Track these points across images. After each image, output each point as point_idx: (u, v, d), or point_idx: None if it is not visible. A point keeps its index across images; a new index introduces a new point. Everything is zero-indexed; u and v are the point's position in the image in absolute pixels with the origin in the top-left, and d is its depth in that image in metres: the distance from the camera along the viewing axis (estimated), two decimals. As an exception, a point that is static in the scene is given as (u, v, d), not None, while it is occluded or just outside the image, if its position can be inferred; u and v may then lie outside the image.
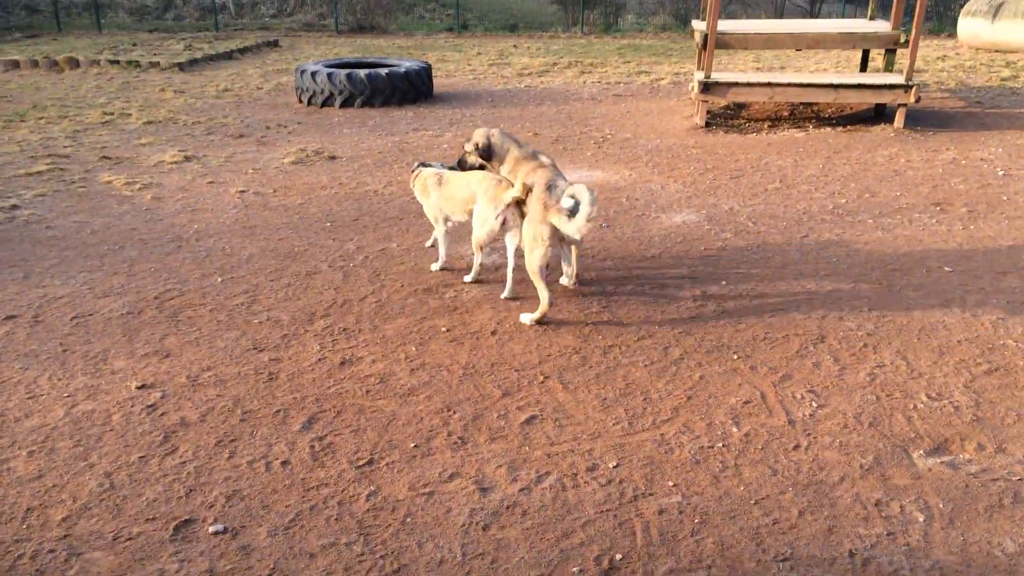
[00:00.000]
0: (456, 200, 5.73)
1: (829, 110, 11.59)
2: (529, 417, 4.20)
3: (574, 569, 3.18)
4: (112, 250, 6.60)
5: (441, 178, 5.87)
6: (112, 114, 11.98)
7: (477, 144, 5.76)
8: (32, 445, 3.99)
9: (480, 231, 5.51)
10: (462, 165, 5.93)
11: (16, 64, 16.21)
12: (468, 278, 5.90)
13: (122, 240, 6.84)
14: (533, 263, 5.12)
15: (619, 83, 14.34)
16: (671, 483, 3.68)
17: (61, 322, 5.31)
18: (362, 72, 12.45)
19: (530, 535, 3.35)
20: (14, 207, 7.58)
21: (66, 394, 4.45)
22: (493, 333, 5.14)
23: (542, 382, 4.54)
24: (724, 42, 10.77)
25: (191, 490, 3.66)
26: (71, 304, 5.56)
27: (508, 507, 3.53)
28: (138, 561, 3.21)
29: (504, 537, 3.34)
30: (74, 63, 16.24)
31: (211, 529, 3.39)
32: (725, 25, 11.41)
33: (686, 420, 4.17)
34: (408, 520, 3.45)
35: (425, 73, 12.95)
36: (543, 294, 5.17)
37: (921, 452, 3.89)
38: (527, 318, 5.23)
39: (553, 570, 3.16)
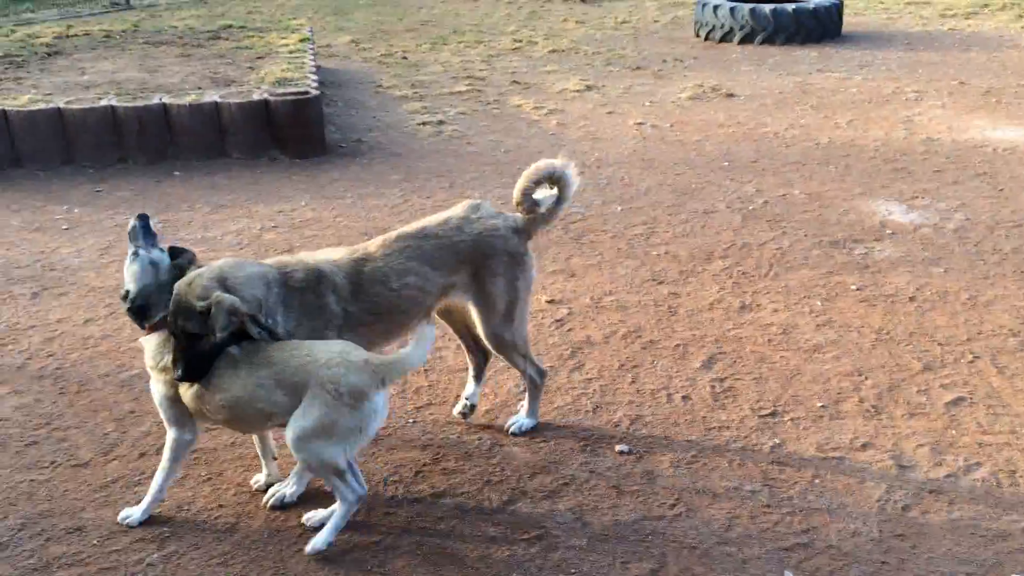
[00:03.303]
0: None
1: None
2: (956, 398, 3.79)
3: (1011, 576, 2.83)
4: (523, 169, 7.00)
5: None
6: (520, 41, 12.67)
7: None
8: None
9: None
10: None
11: (440, -8, 17.72)
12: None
13: (531, 161, 7.20)
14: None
15: (1068, 30, 12.29)
16: None
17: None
18: (767, 7, 11.90)
19: (957, 528, 3.04)
20: (440, 122, 8.35)
21: (487, 298, 4.83)
22: (911, 299, 4.71)
23: (971, 362, 4.08)
24: None
25: (597, 407, 3.80)
26: (489, 216, 6.02)
27: (932, 492, 3.23)
28: (552, 463, 3.41)
29: (928, 523, 3.07)
30: (488, -8, 17.39)
31: (618, 448, 3.51)
32: None
33: None
34: (816, 482, 3.30)
35: (835, 10, 12.07)
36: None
37: None
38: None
39: (986, 572, 2.84)
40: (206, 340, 2.73)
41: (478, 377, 3.71)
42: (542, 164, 3.43)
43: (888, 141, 7.55)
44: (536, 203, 3.42)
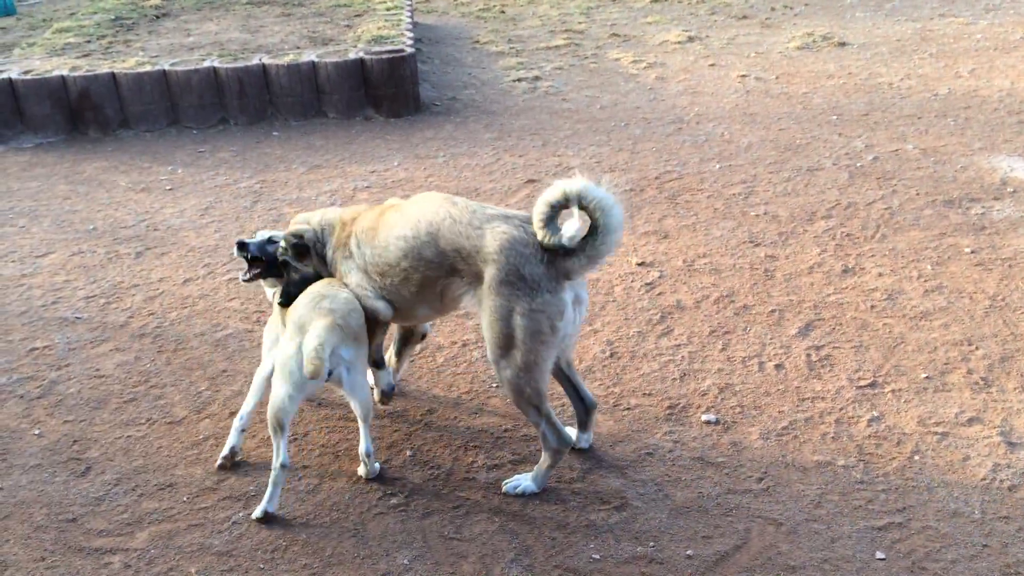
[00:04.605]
0: None
1: None
2: (1077, 372, 3.53)
3: None
4: (618, 127, 6.85)
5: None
6: (622, -9, 12.34)
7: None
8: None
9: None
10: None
11: (540, -58, 17.38)
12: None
13: (627, 118, 7.06)
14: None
15: None
16: None
17: (572, 191, 5.66)
18: (885, -52, 11.19)
19: (1071, 512, 2.84)
20: (536, 78, 8.23)
21: (575, 260, 4.74)
22: (1031, 263, 4.40)
23: (1097, 332, 3.78)
24: None
25: (685, 374, 3.70)
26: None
27: (1043, 472, 3.02)
28: (635, 432, 3.34)
29: (1036, 506, 2.87)
30: (590, -59, 16.95)
31: (704, 417, 3.40)
32: None
33: None
34: (916, 458, 3.12)
35: (961, -51, 11.26)
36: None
37: None
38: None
39: (1102, 562, 2.64)
40: (293, 272, 3.20)
41: (583, 425, 3.24)
42: (553, 187, 2.75)
43: (1014, 91, 7.02)
44: (559, 232, 2.76)
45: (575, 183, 2.72)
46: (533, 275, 2.78)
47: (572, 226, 2.77)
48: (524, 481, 3.05)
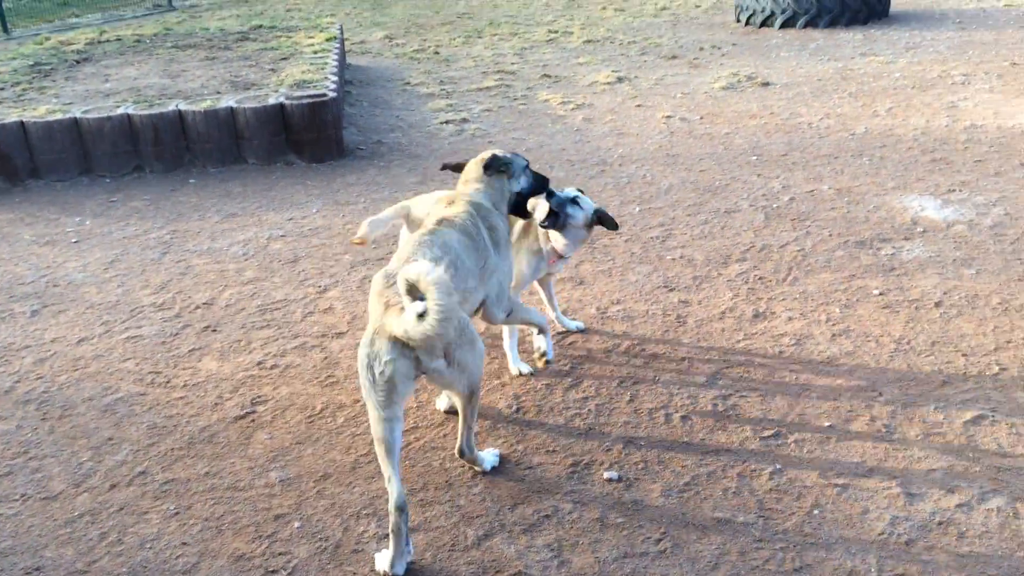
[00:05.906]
0: None
1: None
2: (976, 416, 3.52)
3: (1021, 624, 2.59)
4: (543, 169, 6.82)
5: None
6: (556, 32, 12.46)
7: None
8: (455, 355, 4.25)
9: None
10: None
11: (478, -17, 17.53)
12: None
13: (552, 160, 7.06)
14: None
15: None
16: None
17: (491, 237, 5.60)
18: (809, -11, 11.48)
19: (967, 566, 2.80)
20: (464, 120, 8.21)
21: (488, 309, 4.66)
22: (937, 305, 4.42)
23: (996, 374, 3.79)
24: None
25: (590, 428, 3.62)
26: (501, 220, 5.84)
27: (940, 524, 2.98)
28: (535, 492, 3.25)
29: (933, 560, 2.83)
30: (526, -19, 17.15)
31: (606, 475, 3.32)
32: None
33: None
34: (816, 512, 3.08)
35: (882, -10, 11.60)
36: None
37: None
38: None
39: (993, 620, 2.61)
40: None
41: None
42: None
43: (928, 130, 7.17)
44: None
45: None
46: None
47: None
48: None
